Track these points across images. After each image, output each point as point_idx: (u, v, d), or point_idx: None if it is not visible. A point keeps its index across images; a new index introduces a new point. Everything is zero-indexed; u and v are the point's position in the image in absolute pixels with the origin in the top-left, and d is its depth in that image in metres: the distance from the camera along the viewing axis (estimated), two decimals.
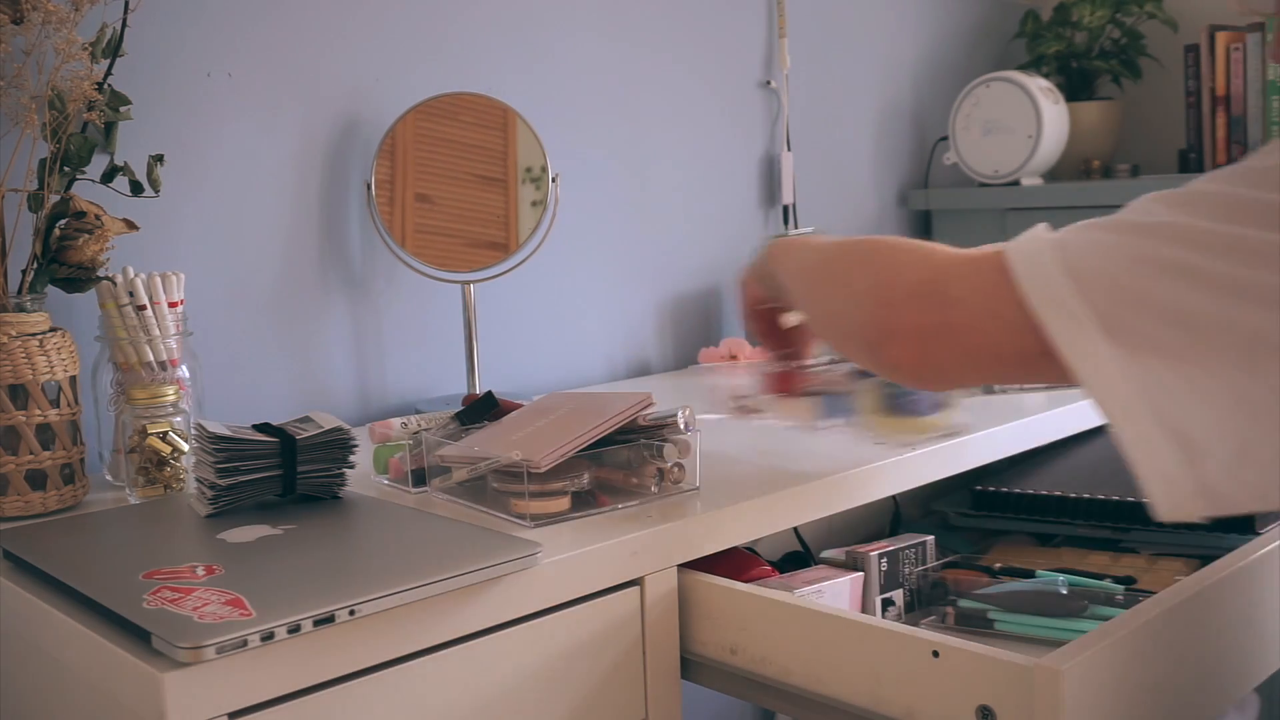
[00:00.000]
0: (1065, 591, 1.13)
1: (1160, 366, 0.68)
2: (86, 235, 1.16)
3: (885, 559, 1.21)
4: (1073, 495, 1.28)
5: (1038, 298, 0.72)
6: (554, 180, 1.55)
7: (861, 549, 1.22)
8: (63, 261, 1.17)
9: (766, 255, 1.06)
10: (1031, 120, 2.14)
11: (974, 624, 1.14)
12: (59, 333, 1.15)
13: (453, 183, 1.52)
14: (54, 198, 1.18)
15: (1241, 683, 1.07)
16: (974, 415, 1.38)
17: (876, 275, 0.83)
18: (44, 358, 1.12)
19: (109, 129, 1.26)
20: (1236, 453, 0.67)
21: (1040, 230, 0.76)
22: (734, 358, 1.75)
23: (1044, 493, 1.30)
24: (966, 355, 0.77)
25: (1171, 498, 0.69)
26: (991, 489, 1.33)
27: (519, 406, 1.20)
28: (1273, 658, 1.12)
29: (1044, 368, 0.73)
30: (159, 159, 1.26)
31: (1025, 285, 0.72)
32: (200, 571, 0.88)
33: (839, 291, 0.88)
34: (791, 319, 1.14)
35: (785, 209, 2.06)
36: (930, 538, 1.26)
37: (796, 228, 2.07)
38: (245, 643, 0.76)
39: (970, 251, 0.79)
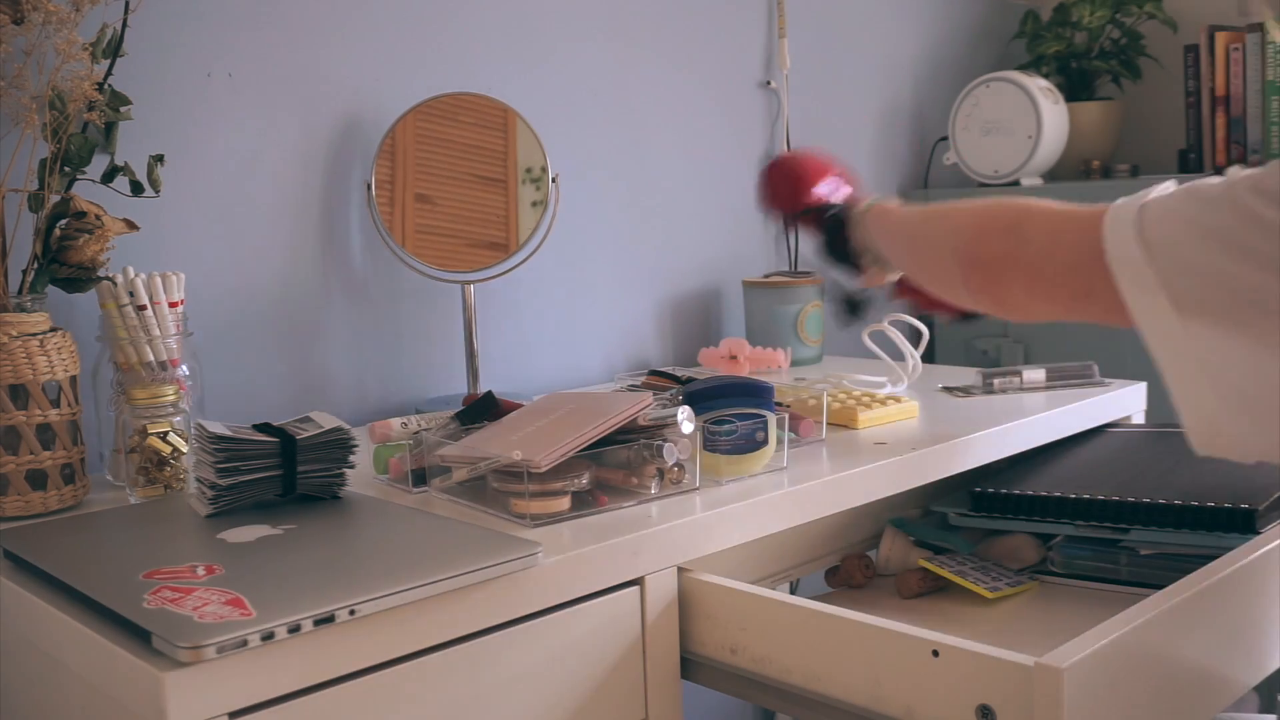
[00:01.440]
0: None
1: (1216, 334, 0.80)
2: (87, 235, 1.16)
3: None
4: (1072, 495, 1.28)
5: (1114, 255, 0.84)
6: (554, 180, 1.55)
7: None
8: (63, 261, 1.17)
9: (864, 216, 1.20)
10: (1031, 120, 2.14)
11: None
12: (59, 333, 1.15)
13: (453, 183, 1.52)
14: (54, 198, 1.18)
15: (1241, 682, 1.08)
16: (970, 416, 1.38)
17: (978, 214, 0.98)
18: (44, 358, 1.12)
19: (109, 129, 1.26)
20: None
21: (1145, 193, 0.86)
22: (734, 358, 1.75)
23: (1043, 493, 1.31)
24: (1028, 288, 0.92)
25: (1206, 434, 0.83)
26: (991, 490, 1.33)
27: (519, 406, 1.20)
28: (1272, 657, 1.12)
29: (1088, 307, 0.88)
30: (159, 159, 1.26)
31: (1107, 241, 0.85)
32: (200, 571, 0.88)
33: (944, 225, 1.03)
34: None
35: None
36: None
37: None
38: (245, 642, 0.76)
39: (1076, 207, 0.92)
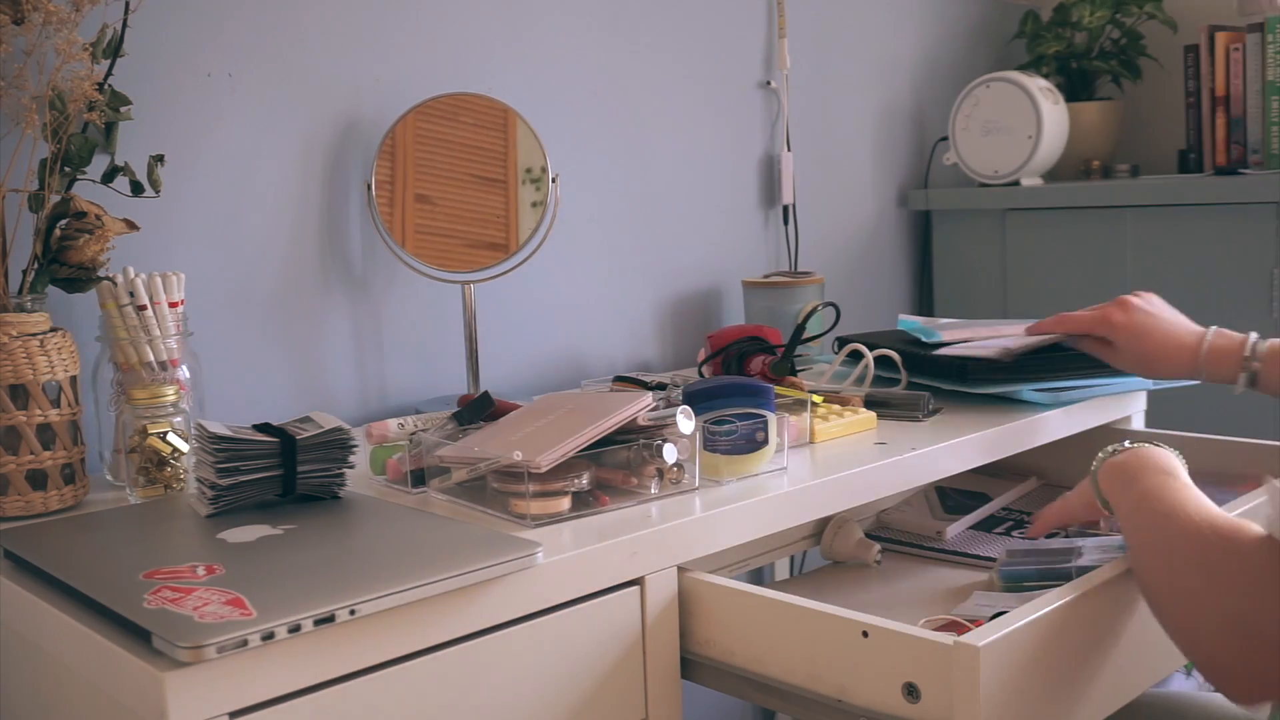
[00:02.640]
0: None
1: None
2: (87, 235, 1.16)
3: None
4: None
5: None
6: (554, 180, 1.55)
7: None
8: (63, 261, 1.17)
9: (1109, 478, 1.08)
10: (1031, 120, 2.14)
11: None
12: (59, 333, 1.15)
13: (453, 183, 1.52)
14: (54, 198, 1.18)
15: (1169, 660, 1.10)
16: (971, 415, 1.38)
17: (1186, 609, 0.87)
18: (44, 358, 1.12)
19: (109, 129, 1.26)
20: None
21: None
22: None
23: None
24: None
25: None
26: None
27: (516, 407, 1.20)
28: None
29: None
30: (159, 159, 1.26)
31: None
32: (201, 571, 0.88)
33: (1162, 595, 0.92)
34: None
35: (785, 209, 2.06)
36: None
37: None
38: (246, 642, 0.76)
39: (1262, 546, 0.82)
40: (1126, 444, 1.10)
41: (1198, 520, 0.89)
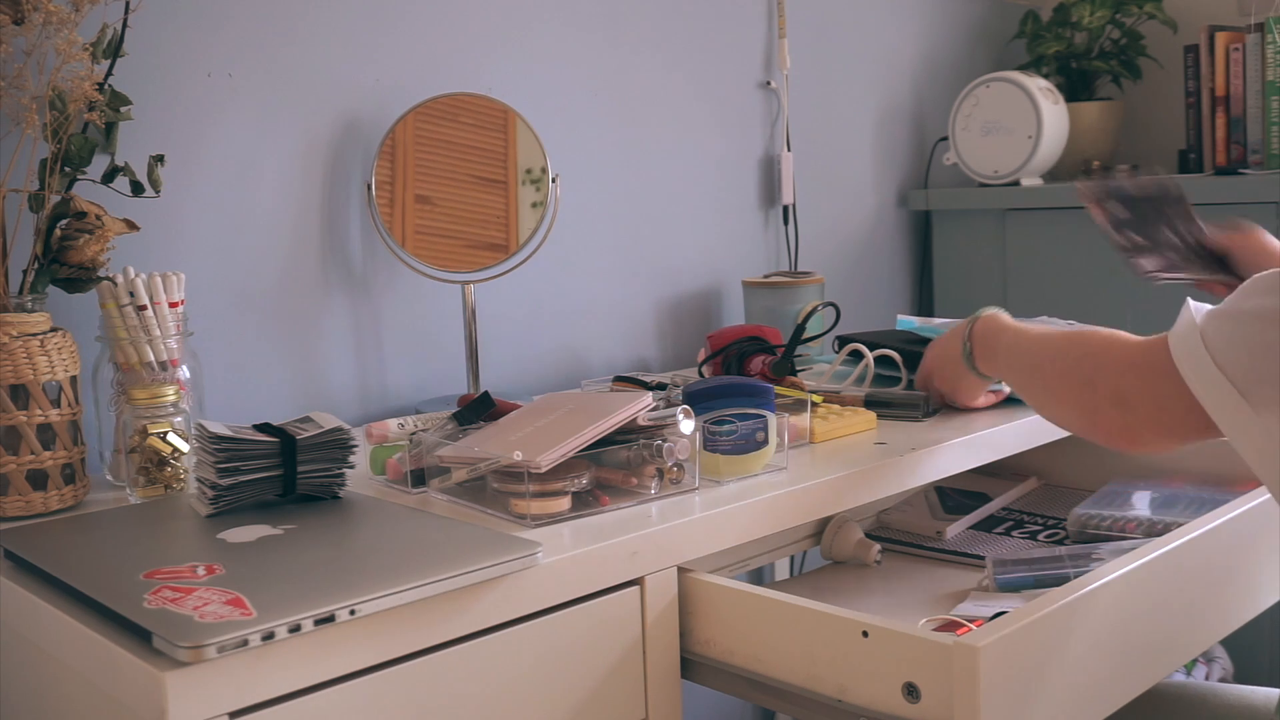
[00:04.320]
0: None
1: None
2: (87, 235, 1.16)
3: None
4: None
5: (1197, 385, 0.94)
6: (554, 180, 1.55)
7: None
8: (63, 262, 1.17)
9: (973, 340, 1.26)
10: (1031, 120, 2.14)
11: None
12: (60, 333, 1.15)
13: (453, 184, 1.52)
14: (55, 198, 1.18)
15: (1169, 661, 1.11)
16: (971, 414, 1.38)
17: (1079, 393, 1.06)
18: (45, 358, 1.12)
19: (109, 129, 1.26)
20: None
21: (1190, 321, 0.95)
22: None
23: None
24: (1158, 437, 1.02)
25: None
26: None
27: (516, 407, 1.20)
28: (1202, 636, 1.16)
29: (1213, 433, 0.96)
30: (159, 159, 1.26)
31: (1188, 377, 0.94)
32: (201, 571, 0.88)
33: (1050, 399, 1.12)
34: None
35: (785, 209, 2.06)
36: None
37: (792, 230, 2.07)
38: (246, 642, 0.76)
39: (1140, 347, 1.01)
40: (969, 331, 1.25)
41: (1065, 335, 1.11)
